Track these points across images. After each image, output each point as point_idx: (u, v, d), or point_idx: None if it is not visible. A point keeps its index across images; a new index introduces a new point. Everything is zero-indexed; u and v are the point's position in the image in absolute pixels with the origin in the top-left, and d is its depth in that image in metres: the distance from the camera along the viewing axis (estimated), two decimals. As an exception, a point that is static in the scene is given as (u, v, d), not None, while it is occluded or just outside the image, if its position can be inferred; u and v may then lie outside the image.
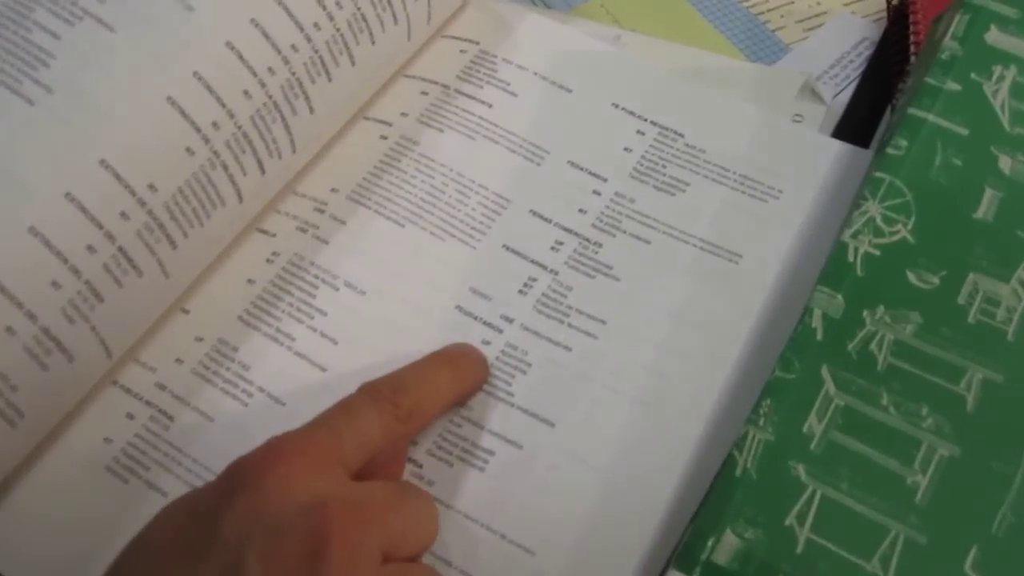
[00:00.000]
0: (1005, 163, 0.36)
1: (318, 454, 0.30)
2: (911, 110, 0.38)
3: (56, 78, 0.32)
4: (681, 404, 0.36)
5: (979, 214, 0.36)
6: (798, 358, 0.33)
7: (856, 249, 0.35)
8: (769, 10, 0.52)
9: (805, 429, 0.32)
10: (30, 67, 0.32)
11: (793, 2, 0.52)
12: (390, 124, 0.44)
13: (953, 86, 0.38)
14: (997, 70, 0.38)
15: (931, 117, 0.38)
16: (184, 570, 0.27)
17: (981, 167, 0.36)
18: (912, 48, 0.46)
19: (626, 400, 0.36)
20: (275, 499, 0.28)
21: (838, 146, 0.43)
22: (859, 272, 0.35)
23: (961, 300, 0.34)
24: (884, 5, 0.51)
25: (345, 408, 0.32)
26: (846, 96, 0.48)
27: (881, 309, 0.34)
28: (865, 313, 0.34)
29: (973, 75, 0.38)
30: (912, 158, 0.37)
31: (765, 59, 0.50)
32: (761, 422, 0.32)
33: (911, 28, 0.47)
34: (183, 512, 0.29)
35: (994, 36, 0.39)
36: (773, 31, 0.51)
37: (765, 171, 0.42)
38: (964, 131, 0.37)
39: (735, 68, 0.47)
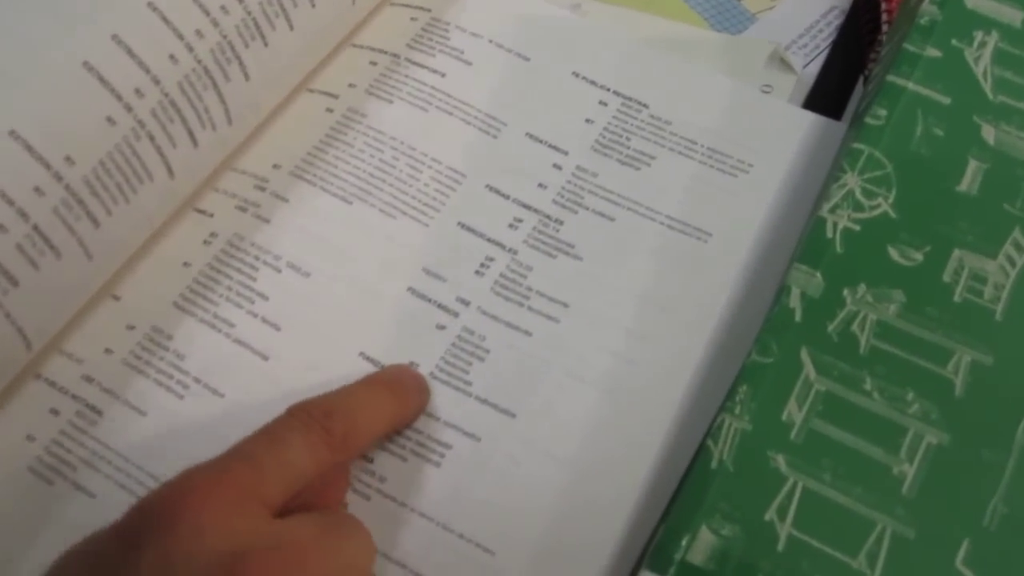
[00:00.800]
0: (988, 133, 0.35)
1: (236, 491, 0.27)
2: (890, 77, 0.36)
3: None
4: (650, 392, 0.34)
5: (963, 187, 0.34)
6: (776, 341, 0.31)
7: (835, 224, 0.33)
8: (734, -23, 0.50)
9: (784, 417, 0.30)
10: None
11: (759, -31, 0.50)
12: (336, 96, 0.41)
13: (933, 52, 0.36)
14: (978, 35, 0.36)
15: (911, 85, 0.35)
16: None
17: (964, 137, 0.34)
18: (884, 16, 0.44)
19: (591, 388, 0.34)
20: (187, 548, 0.25)
21: (810, 118, 0.41)
22: (838, 249, 0.33)
23: (946, 277, 0.32)
24: (853, -28, 0.49)
25: (269, 436, 0.29)
26: (816, 66, 0.46)
27: (863, 288, 0.32)
28: (846, 292, 0.32)
29: (954, 41, 0.36)
30: (892, 128, 0.35)
31: (731, 29, 0.48)
32: (737, 410, 0.30)
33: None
34: (83, 567, 0.26)
35: (975, 0, 0.37)
36: (738, 0, 0.49)
37: (734, 144, 0.39)
38: (945, 99, 0.35)
39: (700, 38, 0.45)
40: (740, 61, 0.44)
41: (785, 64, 0.44)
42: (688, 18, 0.48)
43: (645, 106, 0.41)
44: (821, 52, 0.46)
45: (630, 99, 0.41)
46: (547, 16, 0.44)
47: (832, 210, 0.33)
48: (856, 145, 0.34)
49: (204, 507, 0.26)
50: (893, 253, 0.32)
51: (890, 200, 0.33)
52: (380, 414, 0.32)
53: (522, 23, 0.43)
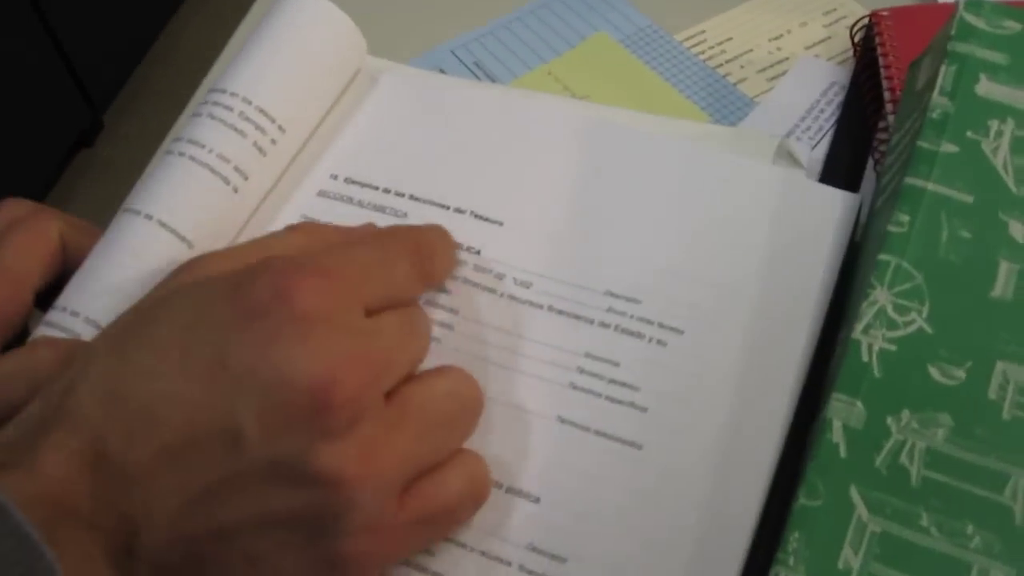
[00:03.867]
0: (1016, 230, 0.33)
1: (343, 293, 0.30)
2: (908, 179, 0.34)
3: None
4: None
5: (996, 292, 0.32)
6: (823, 480, 0.30)
7: (870, 346, 0.32)
8: (727, 61, 0.49)
9: (841, 564, 0.28)
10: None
11: (752, 50, 0.49)
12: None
13: (949, 148, 0.35)
14: (994, 125, 0.35)
15: (930, 186, 0.34)
16: (186, 385, 0.27)
17: (992, 237, 0.33)
18: (888, 95, 0.43)
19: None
20: (286, 346, 0.28)
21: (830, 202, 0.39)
22: (876, 373, 0.31)
23: (992, 394, 0.31)
24: (849, 45, 0.48)
25: (383, 250, 0.33)
26: (823, 148, 0.45)
27: (906, 414, 0.30)
28: (889, 420, 0.30)
29: (969, 133, 0.35)
30: (917, 235, 0.33)
31: (731, 117, 0.46)
32: (791, 561, 0.28)
33: (883, 73, 0.44)
34: (194, 307, 0.29)
35: (985, 87, 0.36)
36: (735, 84, 0.48)
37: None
38: (968, 198, 0.34)
39: (703, 133, 0.44)
40: (746, 155, 0.43)
41: (792, 157, 0.42)
42: (687, 110, 0.47)
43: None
44: (826, 133, 0.45)
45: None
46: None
47: (865, 330, 0.32)
48: (882, 256, 0.33)
49: (316, 298, 0.28)
50: (934, 372, 0.31)
51: (924, 314, 0.32)
52: (451, 261, 0.37)
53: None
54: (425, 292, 0.36)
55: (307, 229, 0.34)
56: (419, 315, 0.33)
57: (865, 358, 0.31)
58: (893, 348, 0.32)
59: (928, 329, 0.32)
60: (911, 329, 0.32)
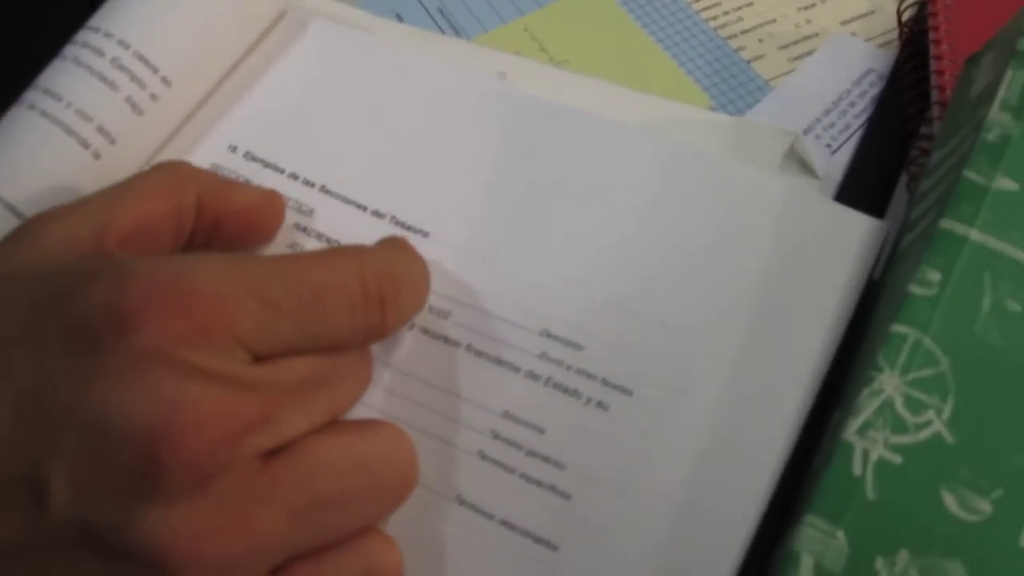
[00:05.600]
0: (1085, 305, 0.25)
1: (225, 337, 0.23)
2: (945, 222, 0.26)
3: None
4: None
5: (1049, 391, 0.24)
6: (778, 641, 0.22)
7: (866, 454, 0.23)
8: (743, 32, 0.40)
9: None
10: None
11: (775, 20, 0.40)
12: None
13: (1005, 184, 0.26)
14: (1069, 158, 0.26)
15: (974, 234, 0.25)
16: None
17: (1050, 314, 0.24)
18: (936, 95, 0.34)
19: None
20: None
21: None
22: (869, 493, 0.23)
23: (1026, 540, 0.22)
24: (895, 24, 0.38)
25: (313, 290, 0.24)
26: (846, 153, 0.36)
27: (904, 556, 0.22)
28: (880, 563, 0.22)
29: (1034, 167, 0.26)
30: (948, 302, 0.25)
31: (738, 103, 0.38)
32: None
33: (933, 65, 0.34)
34: (11, 309, 0.23)
35: (1062, 103, 0.27)
36: (749, 62, 0.39)
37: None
38: None
39: (696, 123, 0.35)
40: (749, 156, 0.34)
41: (805, 164, 0.34)
42: (683, 89, 0.38)
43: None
44: (854, 133, 0.36)
45: None
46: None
47: (862, 430, 0.24)
48: (897, 327, 0.25)
49: (164, 330, 0.22)
50: (949, 501, 0.23)
51: (945, 415, 0.24)
52: (415, 304, 0.27)
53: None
54: (367, 345, 0.27)
55: None
56: (346, 368, 0.25)
57: (857, 470, 0.23)
58: (897, 460, 0.23)
59: (948, 437, 0.23)
60: (925, 435, 0.23)
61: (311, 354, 0.24)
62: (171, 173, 0.28)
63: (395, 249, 0.27)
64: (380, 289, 0.25)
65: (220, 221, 0.28)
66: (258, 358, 0.23)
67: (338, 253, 0.25)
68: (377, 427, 0.25)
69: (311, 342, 0.24)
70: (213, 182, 0.28)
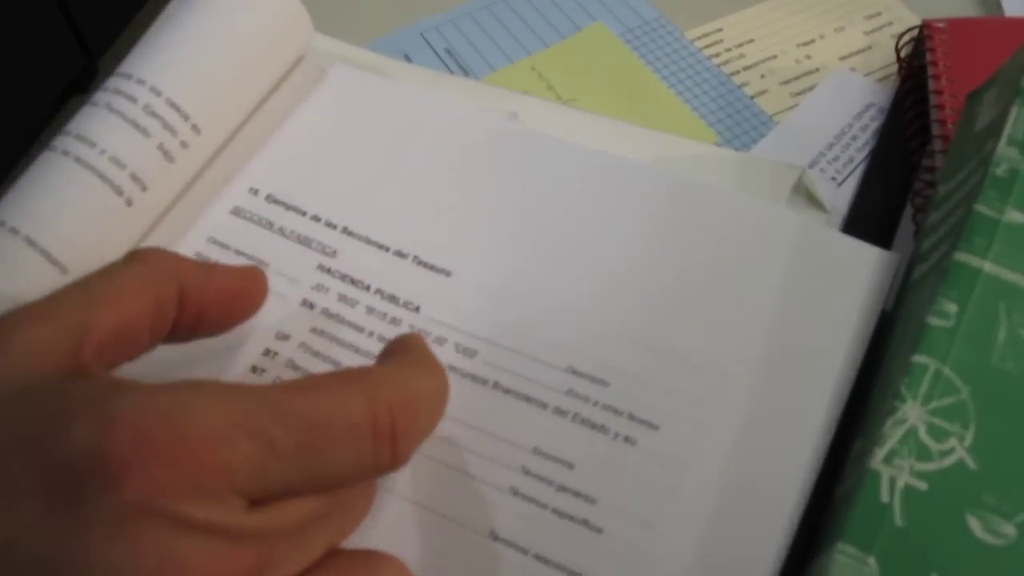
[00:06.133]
0: (1096, 333, 0.25)
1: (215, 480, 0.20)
2: (959, 255, 0.27)
3: None
4: None
5: (1066, 416, 0.25)
6: (816, 667, 0.22)
7: (893, 481, 0.24)
8: (745, 68, 0.41)
9: None
10: None
11: (776, 57, 0.41)
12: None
13: (1016, 217, 0.27)
14: (1076, 190, 0.27)
15: (987, 266, 0.26)
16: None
17: (1064, 342, 0.25)
18: (937, 128, 0.35)
19: None
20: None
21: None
22: (898, 520, 0.24)
23: (1051, 562, 0.23)
24: (893, 59, 0.40)
25: (313, 432, 0.21)
26: (851, 186, 0.37)
27: (935, 581, 0.23)
28: (911, 589, 0.23)
29: (1042, 199, 0.27)
30: (966, 332, 0.26)
31: (744, 138, 0.39)
32: None
33: (933, 100, 0.36)
34: (15, 424, 0.21)
35: (1066, 138, 0.28)
36: (752, 98, 0.40)
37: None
38: (1036, 286, 0.26)
39: (704, 158, 0.36)
40: (757, 191, 0.35)
41: (813, 198, 0.35)
42: (689, 126, 0.39)
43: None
44: (857, 167, 0.37)
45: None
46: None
47: (888, 459, 0.24)
48: (918, 358, 0.25)
49: (152, 483, 0.19)
50: (974, 525, 0.24)
51: (967, 442, 0.24)
52: (427, 431, 0.24)
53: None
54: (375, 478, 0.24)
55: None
56: (349, 502, 0.23)
57: (885, 498, 0.24)
58: (923, 487, 0.24)
59: (971, 463, 0.24)
60: (949, 462, 0.24)
61: (312, 494, 0.22)
62: (149, 267, 0.25)
63: (412, 368, 0.24)
64: (392, 422, 0.22)
65: (203, 310, 0.26)
66: (254, 501, 0.21)
67: (346, 380, 0.23)
68: (379, 564, 0.23)
69: (312, 485, 0.22)
70: (193, 271, 0.26)
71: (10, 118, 0.37)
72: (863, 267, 0.31)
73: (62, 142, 0.32)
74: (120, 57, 0.33)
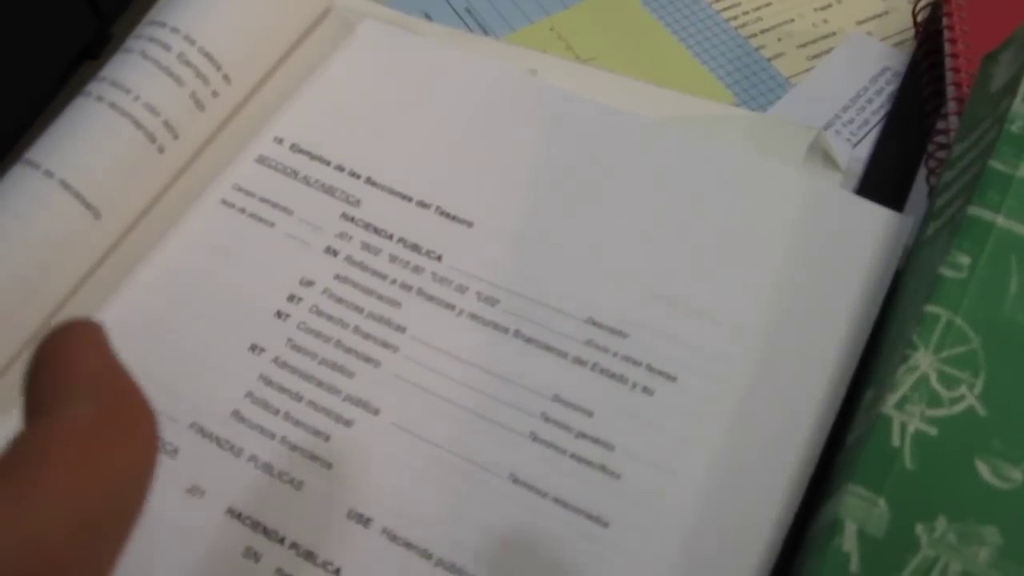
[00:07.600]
0: (1105, 286, 0.26)
1: None
2: (972, 209, 0.27)
3: None
4: None
5: (1074, 367, 0.25)
6: (826, 601, 0.23)
7: (904, 426, 0.25)
8: (763, 31, 0.41)
9: None
10: None
11: (793, 20, 0.41)
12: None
13: (1029, 173, 0.27)
14: (1089, 148, 0.28)
15: (1000, 220, 0.27)
16: None
17: (1073, 295, 0.26)
18: (952, 91, 0.35)
19: None
20: None
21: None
22: (908, 463, 0.24)
23: (1056, 505, 0.24)
24: (910, 23, 0.40)
25: None
26: (866, 148, 0.37)
27: (943, 522, 0.24)
28: (920, 529, 0.24)
29: (1056, 156, 0.28)
30: (978, 284, 0.26)
31: (760, 99, 0.39)
32: None
33: (949, 63, 0.36)
34: None
35: (1081, 97, 0.28)
36: (769, 60, 0.40)
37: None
38: (1047, 240, 0.27)
39: (721, 118, 0.36)
40: (773, 151, 0.35)
41: (828, 157, 0.35)
42: (707, 86, 0.39)
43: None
44: (872, 129, 0.38)
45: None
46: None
47: (900, 405, 0.25)
48: (930, 308, 0.26)
49: None
50: (983, 470, 0.24)
51: (977, 390, 0.25)
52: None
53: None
54: None
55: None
56: None
57: (896, 442, 0.25)
58: (933, 432, 0.25)
59: (980, 410, 0.25)
60: (959, 408, 0.25)
61: None
62: None
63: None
64: None
65: None
66: None
67: None
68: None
69: None
70: None
71: (21, 85, 0.37)
72: (877, 228, 0.31)
73: (97, 87, 0.32)
74: (133, 24, 0.34)
